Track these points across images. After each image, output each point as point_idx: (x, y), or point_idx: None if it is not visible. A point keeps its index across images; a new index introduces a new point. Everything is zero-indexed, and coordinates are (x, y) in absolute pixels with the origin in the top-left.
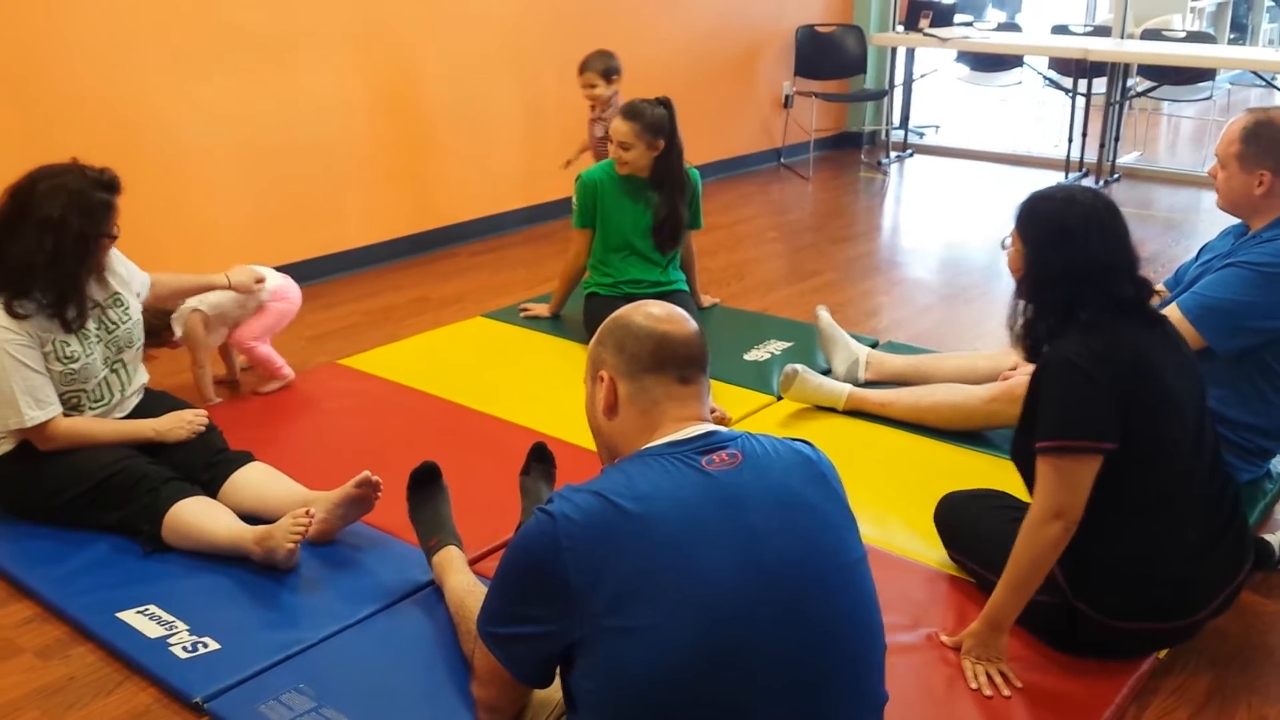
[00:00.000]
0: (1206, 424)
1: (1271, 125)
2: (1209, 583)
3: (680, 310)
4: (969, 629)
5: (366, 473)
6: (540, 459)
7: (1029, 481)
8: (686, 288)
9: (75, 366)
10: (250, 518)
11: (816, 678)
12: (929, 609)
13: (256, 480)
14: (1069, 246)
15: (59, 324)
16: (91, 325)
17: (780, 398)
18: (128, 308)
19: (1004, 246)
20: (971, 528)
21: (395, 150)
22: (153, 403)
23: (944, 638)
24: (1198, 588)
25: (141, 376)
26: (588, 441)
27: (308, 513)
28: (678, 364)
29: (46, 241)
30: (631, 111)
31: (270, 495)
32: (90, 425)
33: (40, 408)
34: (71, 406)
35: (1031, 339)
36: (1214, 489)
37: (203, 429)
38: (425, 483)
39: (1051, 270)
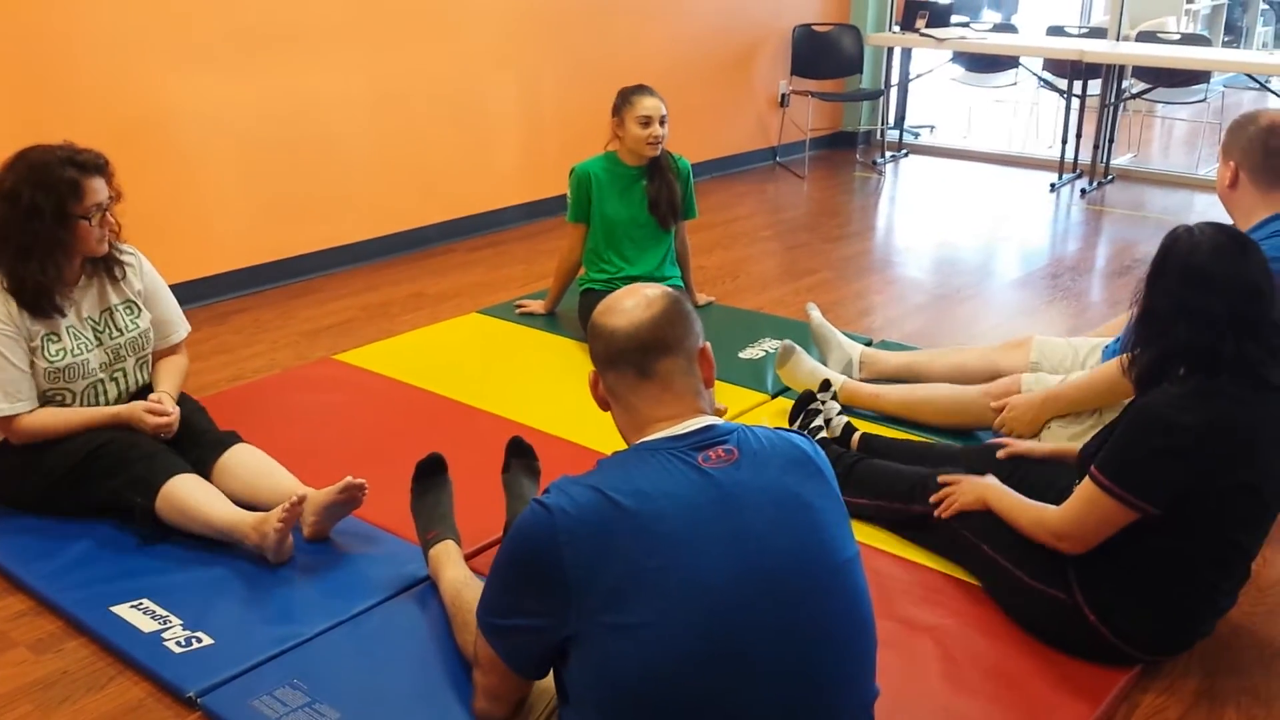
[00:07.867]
0: None
1: (1247, 117)
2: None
3: (642, 294)
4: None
5: (349, 478)
6: (519, 454)
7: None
8: (682, 284)
9: (60, 365)
10: (240, 506)
11: (810, 676)
12: (917, 605)
13: (247, 465)
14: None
15: (35, 313)
16: (91, 328)
17: (774, 396)
18: (139, 315)
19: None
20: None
21: (394, 146)
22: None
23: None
24: (1210, 625)
25: (145, 382)
26: (579, 437)
27: (300, 499)
28: (629, 359)
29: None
30: (650, 89)
31: (262, 485)
32: (57, 415)
33: (8, 401)
34: (56, 405)
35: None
36: None
37: (166, 431)
38: (430, 474)
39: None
